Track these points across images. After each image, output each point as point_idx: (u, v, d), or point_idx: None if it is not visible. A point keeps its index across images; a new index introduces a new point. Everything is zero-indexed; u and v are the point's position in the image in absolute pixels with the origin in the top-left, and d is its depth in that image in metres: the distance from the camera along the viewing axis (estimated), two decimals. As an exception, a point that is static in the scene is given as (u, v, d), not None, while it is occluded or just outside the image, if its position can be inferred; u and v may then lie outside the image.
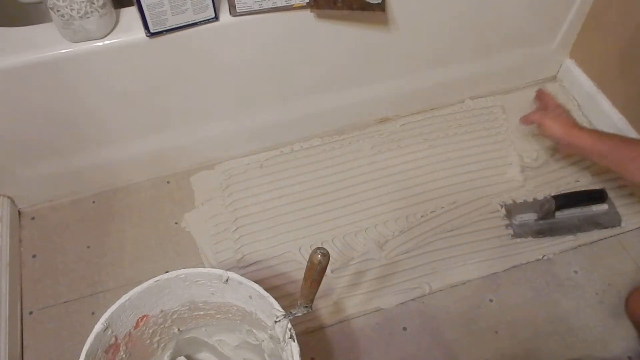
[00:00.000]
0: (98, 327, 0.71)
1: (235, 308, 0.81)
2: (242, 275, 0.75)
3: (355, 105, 1.22)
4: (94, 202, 1.15)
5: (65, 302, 1.01)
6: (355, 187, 1.16)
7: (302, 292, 0.70)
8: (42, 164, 1.06)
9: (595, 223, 1.10)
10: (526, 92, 1.33)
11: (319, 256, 0.64)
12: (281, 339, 0.72)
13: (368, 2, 0.94)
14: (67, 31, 0.86)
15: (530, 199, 1.14)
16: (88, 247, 1.08)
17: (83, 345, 0.69)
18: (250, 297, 0.76)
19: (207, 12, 0.91)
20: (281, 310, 0.73)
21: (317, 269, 0.65)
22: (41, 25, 0.90)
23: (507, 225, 1.10)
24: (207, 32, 0.93)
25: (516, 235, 1.08)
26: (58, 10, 0.83)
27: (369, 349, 0.96)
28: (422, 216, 1.11)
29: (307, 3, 0.94)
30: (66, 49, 0.88)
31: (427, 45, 1.15)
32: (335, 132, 1.25)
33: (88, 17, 0.84)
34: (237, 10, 0.93)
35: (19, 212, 1.13)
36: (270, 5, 0.93)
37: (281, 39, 1.01)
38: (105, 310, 0.72)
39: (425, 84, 1.24)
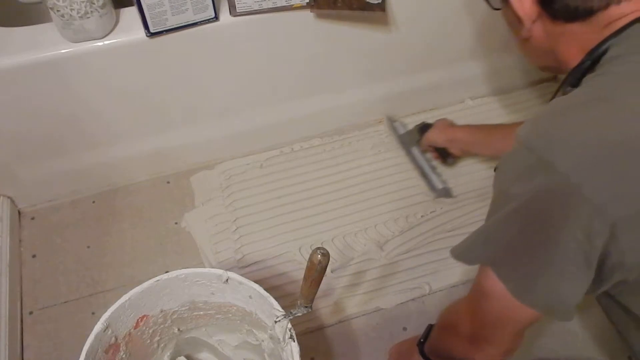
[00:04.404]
0: (98, 327, 0.71)
1: (235, 308, 0.81)
2: (242, 275, 0.75)
3: (355, 105, 1.22)
4: (94, 202, 1.15)
5: (65, 302, 1.01)
6: (355, 187, 1.16)
7: (302, 292, 0.70)
8: (42, 163, 1.06)
9: None
10: (527, 92, 1.33)
11: (319, 256, 0.64)
12: (281, 339, 0.72)
13: (368, 2, 0.94)
14: (67, 31, 0.86)
15: None
16: (88, 247, 1.08)
17: (83, 345, 0.69)
18: (250, 297, 0.76)
19: (207, 12, 0.91)
20: (281, 310, 0.73)
21: (317, 269, 0.65)
22: (41, 25, 0.90)
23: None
24: (207, 32, 0.93)
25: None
26: (58, 10, 0.83)
27: (369, 349, 0.95)
28: (422, 216, 1.11)
29: (307, 3, 0.94)
30: (66, 49, 0.88)
31: (427, 45, 1.15)
32: (335, 132, 1.25)
33: (88, 17, 0.84)
34: (237, 10, 0.93)
35: (19, 212, 1.13)
36: (270, 5, 0.93)
37: (281, 39, 1.01)
38: (105, 310, 0.72)
39: (425, 83, 1.24)
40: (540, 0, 0.59)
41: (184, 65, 0.98)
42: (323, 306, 1.00)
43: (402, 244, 1.07)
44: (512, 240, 0.54)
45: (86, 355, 0.69)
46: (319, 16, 0.99)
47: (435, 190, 1.13)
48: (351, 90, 1.18)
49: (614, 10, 0.55)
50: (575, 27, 0.58)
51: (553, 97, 0.62)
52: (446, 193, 1.14)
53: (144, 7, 0.85)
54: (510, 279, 0.55)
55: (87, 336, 0.70)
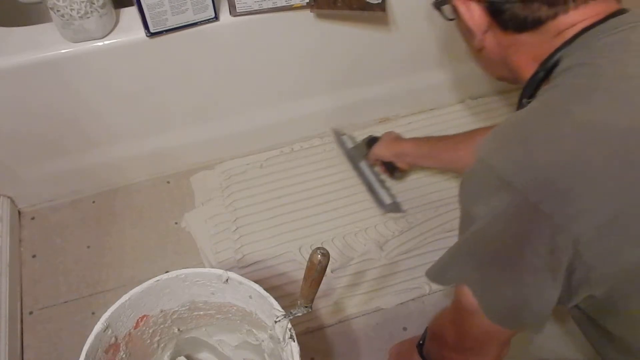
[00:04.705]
0: (98, 327, 0.71)
1: (235, 308, 0.81)
2: (242, 275, 0.75)
3: (355, 105, 1.22)
4: (94, 202, 1.15)
5: (65, 302, 1.01)
6: (356, 187, 1.16)
7: (302, 292, 0.70)
8: (42, 164, 1.06)
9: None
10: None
11: (319, 256, 0.64)
12: (281, 339, 0.72)
13: (368, 2, 0.94)
14: (67, 31, 0.86)
15: None
16: (88, 247, 1.08)
17: (83, 345, 0.69)
18: (250, 297, 0.76)
19: (207, 12, 0.91)
20: (281, 310, 0.73)
21: (317, 269, 0.65)
22: (41, 25, 0.90)
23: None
24: (207, 32, 0.93)
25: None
26: (58, 10, 0.83)
27: (369, 349, 0.95)
28: (422, 216, 1.11)
29: (307, 3, 0.94)
30: (66, 49, 0.88)
31: (427, 45, 1.15)
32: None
33: (88, 17, 0.84)
34: (237, 10, 0.93)
35: (19, 212, 1.13)
36: (270, 5, 0.93)
37: (281, 39, 1.01)
38: (105, 310, 0.72)
39: (426, 83, 1.24)
40: (490, 10, 0.58)
41: (184, 65, 0.98)
42: (323, 306, 1.00)
43: (402, 244, 1.07)
44: (479, 260, 0.55)
45: (86, 355, 0.69)
46: (319, 16, 0.99)
47: (384, 205, 1.10)
48: (351, 90, 1.18)
49: (563, 20, 0.55)
50: (526, 37, 0.58)
51: (518, 108, 0.62)
52: (395, 208, 1.11)
53: (144, 7, 0.85)
54: (482, 299, 0.57)
55: (87, 336, 0.70)
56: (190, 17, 0.90)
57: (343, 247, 1.07)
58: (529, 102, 0.59)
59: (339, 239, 1.08)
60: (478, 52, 0.65)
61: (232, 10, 0.93)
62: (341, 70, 1.13)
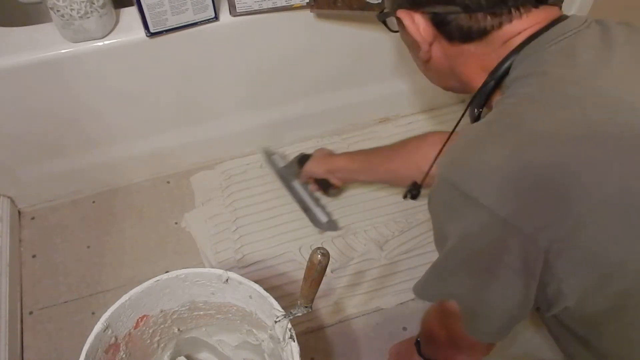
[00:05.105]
0: (98, 327, 0.71)
1: (235, 308, 0.81)
2: (242, 275, 0.75)
3: (355, 105, 1.22)
4: (94, 202, 1.15)
5: (65, 302, 1.01)
6: (355, 187, 1.16)
7: (302, 292, 0.70)
8: (43, 164, 1.06)
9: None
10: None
11: (319, 256, 0.64)
12: (281, 339, 0.72)
13: (368, 2, 0.94)
14: (67, 31, 0.86)
15: None
16: (88, 247, 1.08)
17: (83, 345, 0.69)
18: (250, 297, 0.76)
19: (207, 12, 0.91)
20: (281, 310, 0.73)
21: (317, 269, 0.65)
22: (41, 25, 0.90)
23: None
24: (207, 32, 0.93)
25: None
26: (58, 10, 0.83)
27: (369, 349, 0.95)
28: (422, 216, 1.11)
29: (307, 3, 0.94)
30: (66, 49, 0.88)
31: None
32: (335, 132, 1.25)
33: (88, 17, 0.84)
34: (237, 10, 0.93)
35: (19, 212, 1.13)
36: (270, 5, 0.93)
37: (281, 39, 1.01)
38: (105, 310, 0.72)
39: (426, 83, 1.23)
40: (435, 22, 0.58)
41: (184, 65, 0.98)
42: (323, 306, 1.00)
43: (402, 244, 1.07)
44: (456, 277, 0.56)
45: (86, 355, 0.69)
46: (319, 16, 0.99)
47: (320, 224, 1.08)
48: (351, 90, 1.18)
49: (508, 29, 0.55)
50: (472, 47, 0.58)
51: (460, 120, 0.62)
52: (331, 226, 1.08)
53: (144, 7, 0.85)
54: (464, 318, 0.59)
55: (87, 336, 0.70)
56: (190, 17, 0.90)
57: (343, 247, 1.07)
58: (480, 112, 0.60)
59: (339, 239, 1.08)
60: (425, 64, 0.65)
61: (232, 10, 0.93)
62: (341, 70, 1.13)
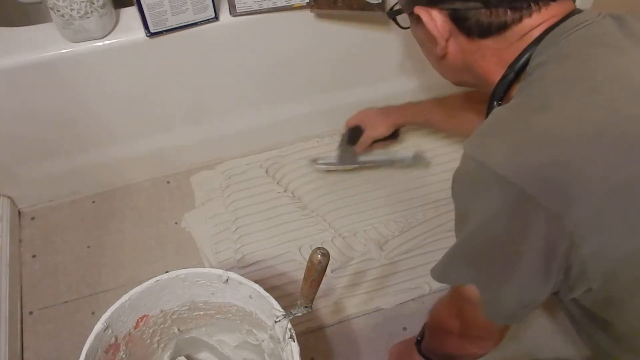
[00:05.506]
0: (98, 327, 0.71)
1: (235, 308, 0.81)
2: (242, 275, 0.75)
3: (355, 105, 1.21)
4: (94, 202, 1.15)
5: (65, 302, 1.01)
6: (356, 188, 1.16)
7: (302, 292, 0.70)
8: (42, 164, 1.06)
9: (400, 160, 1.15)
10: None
11: (319, 256, 0.64)
12: (281, 339, 0.72)
13: (368, 2, 0.94)
14: (67, 31, 0.86)
15: None
16: (88, 247, 1.08)
17: (83, 345, 0.69)
18: (250, 297, 0.76)
19: (207, 12, 0.91)
20: (281, 310, 0.73)
21: (317, 269, 0.65)
22: (41, 25, 0.90)
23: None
24: (207, 32, 0.93)
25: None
26: (58, 10, 0.83)
27: (369, 349, 0.95)
28: (422, 216, 1.11)
29: (307, 3, 0.94)
30: (66, 49, 0.88)
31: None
32: (335, 132, 1.25)
33: (88, 17, 0.84)
34: (237, 10, 0.93)
35: (19, 212, 1.13)
36: (270, 5, 0.93)
37: (281, 39, 1.01)
38: (105, 310, 0.72)
39: (426, 83, 1.24)
40: (453, 17, 0.58)
41: (184, 65, 0.98)
42: (323, 306, 1.00)
43: (402, 244, 1.07)
44: (479, 262, 0.56)
45: (86, 355, 0.69)
46: (319, 16, 0.99)
47: (407, 160, 1.10)
48: (351, 90, 1.18)
49: (527, 23, 0.56)
50: (490, 42, 0.58)
51: (487, 114, 0.62)
52: (418, 159, 1.11)
53: (144, 7, 0.85)
54: (485, 301, 0.58)
55: (87, 336, 0.70)
56: (190, 17, 0.90)
57: (343, 247, 1.07)
58: (500, 105, 0.60)
59: (339, 239, 1.08)
60: (439, 60, 0.65)
61: (232, 10, 0.93)
62: (341, 70, 1.13)
